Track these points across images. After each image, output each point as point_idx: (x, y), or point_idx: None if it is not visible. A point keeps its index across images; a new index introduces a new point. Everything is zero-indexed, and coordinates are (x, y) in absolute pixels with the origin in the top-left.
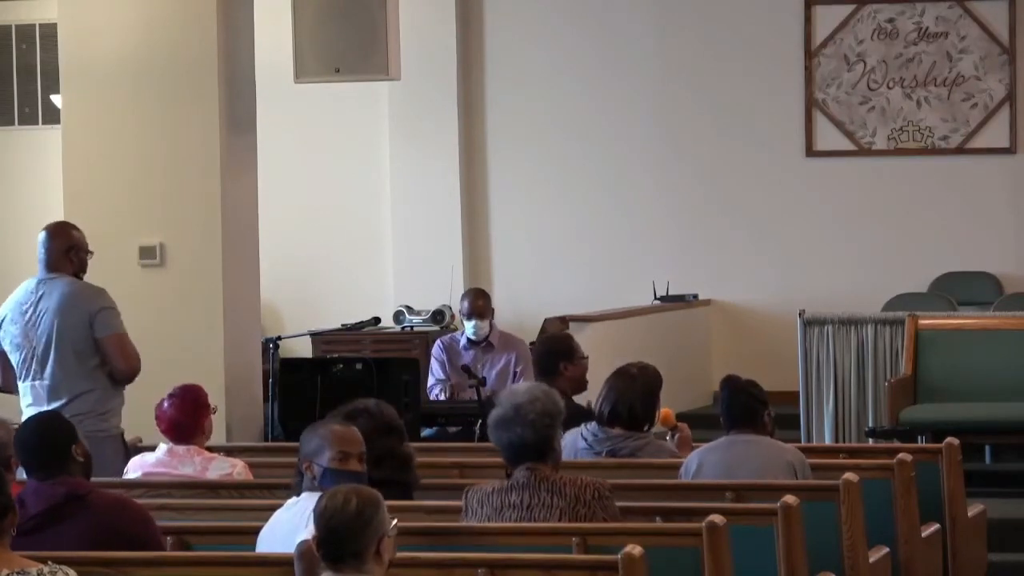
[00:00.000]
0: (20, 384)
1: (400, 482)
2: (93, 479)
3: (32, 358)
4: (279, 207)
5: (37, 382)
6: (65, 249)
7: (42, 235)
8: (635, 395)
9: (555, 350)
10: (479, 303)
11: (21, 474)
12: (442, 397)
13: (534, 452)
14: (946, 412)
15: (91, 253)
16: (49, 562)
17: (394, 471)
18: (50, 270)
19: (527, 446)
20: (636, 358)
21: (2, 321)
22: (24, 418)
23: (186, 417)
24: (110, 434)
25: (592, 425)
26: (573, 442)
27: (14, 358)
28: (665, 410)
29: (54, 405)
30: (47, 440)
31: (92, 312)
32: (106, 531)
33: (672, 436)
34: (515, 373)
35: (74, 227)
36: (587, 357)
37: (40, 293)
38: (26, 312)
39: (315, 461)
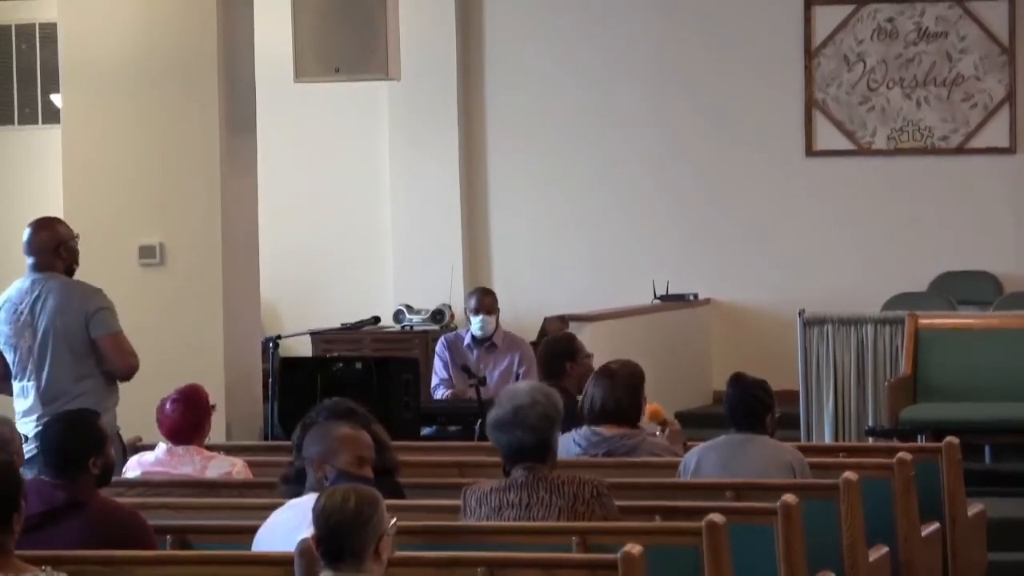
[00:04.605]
0: (14, 383)
1: (382, 470)
2: None
3: (28, 358)
4: (279, 207)
5: (31, 383)
6: (53, 247)
7: (26, 233)
8: (620, 389)
9: (559, 351)
10: (487, 300)
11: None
12: (446, 396)
13: (533, 454)
14: (946, 412)
15: (77, 237)
16: (47, 568)
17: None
18: (41, 269)
19: (526, 448)
20: (636, 358)
21: None
22: (20, 417)
23: (189, 421)
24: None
25: (583, 429)
26: (566, 448)
27: (8, 357)
28: (652, 406)
29: (49, 407)
30: (68, 446)
31: (88, 312)
32: (98, 539)
33: (662, 431)
34: (518, 374)
35: (58, 220)
36: (591, 355)
37: (35, 294)
38: (21, 312)
39: (330, 462)
